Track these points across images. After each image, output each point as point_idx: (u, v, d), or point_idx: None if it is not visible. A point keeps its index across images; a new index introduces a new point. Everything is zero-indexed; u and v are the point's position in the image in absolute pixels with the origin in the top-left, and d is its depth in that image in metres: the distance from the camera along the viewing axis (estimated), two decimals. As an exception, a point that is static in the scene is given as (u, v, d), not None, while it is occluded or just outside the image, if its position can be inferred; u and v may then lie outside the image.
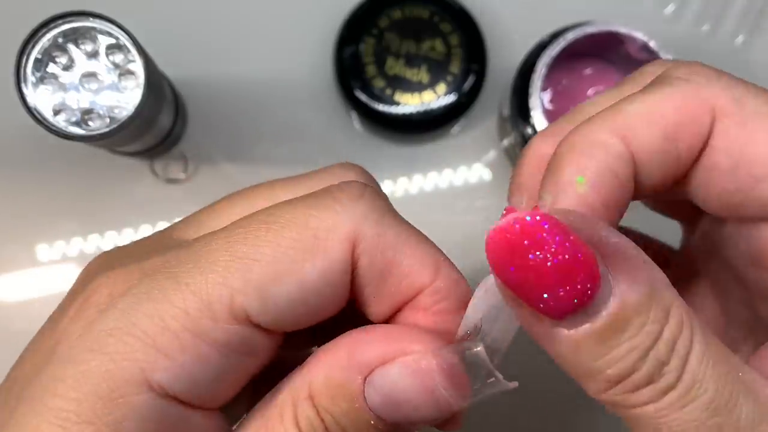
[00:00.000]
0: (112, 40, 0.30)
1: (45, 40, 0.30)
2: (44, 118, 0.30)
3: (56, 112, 0.30)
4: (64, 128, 0.30)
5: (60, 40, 0.30)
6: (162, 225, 0.40)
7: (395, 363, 0.19)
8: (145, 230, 0.40)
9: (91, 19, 0.30)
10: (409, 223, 0.21)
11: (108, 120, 0.31)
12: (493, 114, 0.41)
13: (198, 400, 0.19)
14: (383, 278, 0.20)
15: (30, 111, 0.30)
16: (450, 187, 0.41)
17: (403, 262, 0.20)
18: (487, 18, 0.40)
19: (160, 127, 0.36)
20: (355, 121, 0.41)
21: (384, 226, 0.20)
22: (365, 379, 0.19)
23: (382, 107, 0.39)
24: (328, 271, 0.19)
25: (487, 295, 0.20)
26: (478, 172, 0.41)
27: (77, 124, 0.31)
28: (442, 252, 0.21)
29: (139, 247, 0.21)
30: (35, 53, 0.30)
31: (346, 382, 0.19)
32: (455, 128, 0.41)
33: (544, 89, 0.37)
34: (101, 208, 0.40)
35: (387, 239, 0.20)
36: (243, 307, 0.18)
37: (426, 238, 0.21)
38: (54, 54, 0.30)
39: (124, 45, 0.30)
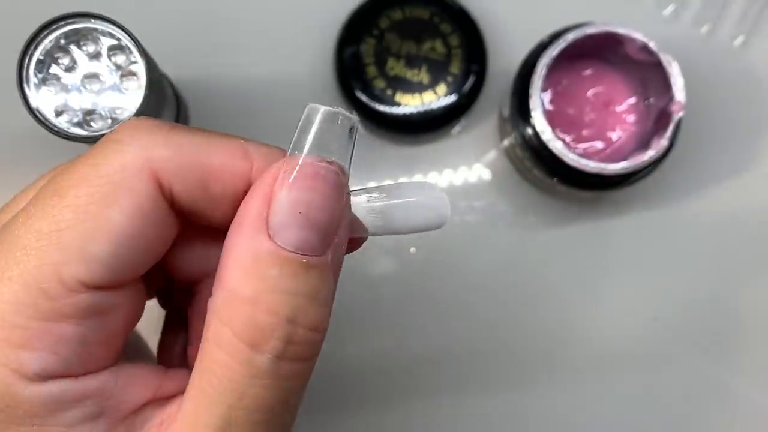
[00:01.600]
0: (114, 42, 0.31)
1: (47, 42, 0.30)
2: (46, 119, 0.30)
3: (58, 113, 0.30)
4: (66, 129, 0.30)
5: (62, 41, 0.30)
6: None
7: (276, 193, 0.19)
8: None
9: (93, 20, 0.30)
10: (197, 128, 0.21)
11: (110, 121, 0.31)
12: (493, 114, 0.42)
13: (80, 369, 0.19)
14: (205, 189, 0.20)
15: (32, 112, 0.30)
16: (450, 187, 0.41)
17: (212, 164, 0.20)
18: (488, 19, 0.40)
19: (162, 128, 0.36)
20: (356, 122, 0.41)
21: (175, 143, 0.19)
22: (268, 234, 0.18)
23: (382, 108, 0.39)
24: (138, 209, 0.19)
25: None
26: (478, 173, 0.42)
27: (79, 125, 0.31)
28: (242, 137, 0.21)
29: None
30: (37, 54, 0.30)
31: (257, 253, 0.18)
32: (455, 129, 0.42)
33: (544, 90, 0.37)
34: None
35: (185, 154, 0.19)
36: (72, 276, 0.18)
37: (219, 133, 0.21)
38: (56, 55, 0.30)
39: (126, 46, 0.31)
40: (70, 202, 0.18)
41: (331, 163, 0.19)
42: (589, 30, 0.36)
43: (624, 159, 0.36)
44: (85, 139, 0.30)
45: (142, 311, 0.21)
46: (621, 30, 0.36)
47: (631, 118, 0.39)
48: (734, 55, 0.42)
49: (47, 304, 0.18)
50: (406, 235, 0.41)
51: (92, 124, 0.31)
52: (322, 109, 0.19)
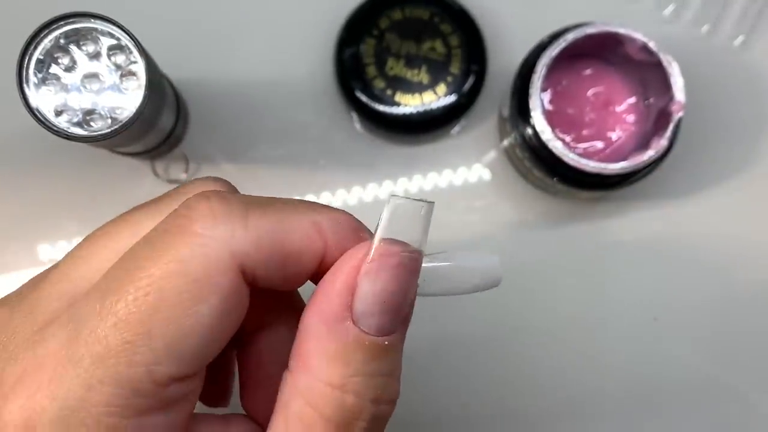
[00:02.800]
0: (114, 41, 0.31)
1: (47, 41, 0.30)
2: (46, 119, 0.30)
3: (58, 113, 0.30)
4: (65, 129, 0.30)
5: (62, 41, 0.30)
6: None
7: (361, 282, 0.19)
8: (147, 230, 0.40)
9: (92, 20, 0.30)
10: (268, 199, 0.21)
11: (110, 121, 0.31)
12: (493, 114, 0.42)
13: None
14: (283, 269, 0.20)
15: (32, 112, 0.30)
16: (450, 187, 0.41)
17: (290, 244, 0.20)
18: (487, 19, 0.40)
19: (162, 128, 0.36)
20: (356, 122, 0.41)
21: (254, 231, 0.19)
22: (353, 320, 0.19)
23: (382, 108, 0.39)
24: (225, 304, 0.19)
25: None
26: (477, 173, 0.42)
27: (79, 124, 0.31)
28: (311, 204, 0.21)
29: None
30: (37, 54, 0.30)
31: (343, 341, 0.19)
32: (455, 129, 0.42)
33: (544, 90, 0.37)
34: (103, 208, 0.40)
35: (265, 242, 0.20)
36: (163, 375, 0.18)
37: (291, 206, 0.21)
38: (56, 55, 0.30)
39: (126, 46, 0.31)
40: (158, 302, 0.18)
41: (412, 251, 0.20)
42: (589, 30, 0.36)
43: (624, 159, 0.36)
44: (85, 138, 0.30)
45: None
46: (621, 30, 0.36)
47: (630, 117, 0.39)
48: (734, 55, 0.42)
49: (139, 401, 0.18)
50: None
51: (92, 123, 0.31)
52: (405, 200, 0.20)
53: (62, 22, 0.30)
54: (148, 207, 0.22)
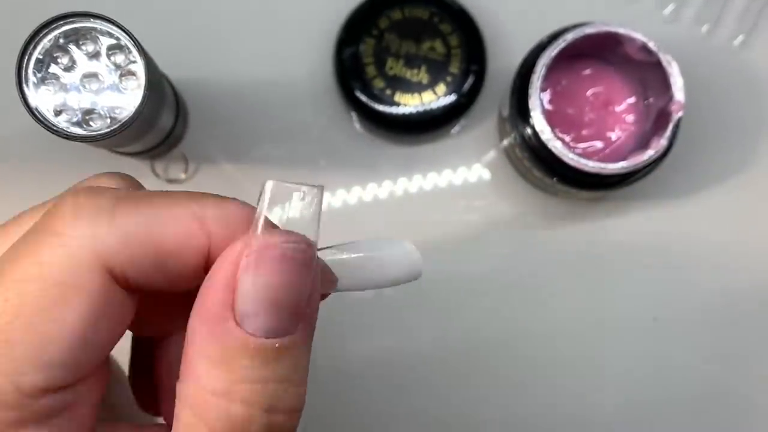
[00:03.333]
0: (113, 41, 0.31)
1: (46, 41, 0.30)
2: (45, 119, 0.30)
3: (57, 113, 0.30)
4: (65, 128, 0.30)
5: (61, 40, 0.30)
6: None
7: (241, 278, 0.17)
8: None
9: (92, 19, 0.30)
10: (148, 193, 0.19)
11: (109, 120, 0.31)
12: (492, 114, 0.42)
13: None
14: (162, 268, 0.18)
15: (31, 111, 0.30)
16: (450, 187, 0.41)
17: (166, 244, 0.18)
18: (487, 19, 0.40)
19: (161, 128, 0.36)
20: (355, 122, 0.41)
21: (121, 227, 0.18)
22: (235, 321, 0.17)
23: (382, 108, 0.39)
24: (91, 306, 0.18)
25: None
26: (477, 173, 0.42)
27: (78, 124, 0.31)
28: (196, 195, 0.19)
29: None
30: (36, 54, 0.30)
31: (225, 344, 0.17)
32: (455, 128, 0.41)
33: (543, 90, 0.37)
34: (102, 208, 0.40)
35: (134, 239, 0.18)
36: (30, 385, 0.17)
37: (169, 200, 0.19)
38: (55, 54, 0.30)
39: (125, 46, 0.31)
40: (16, 309, 0.17)
41: (297, 241, 0.18)
42: (588, 30, 0.36)
43: (623, 159, 0.36)
44: (84, 138, 0.30)
45: (107, 382, 0.20)
46: (620, 30, 0.36)
47: (630, 117, 0.39)
48: (734, 55, 0.42)
49: (8, 414, 0.17)
50: (404, 235, 0.41)
51: (91, 123, 0.31)
52: (283, 185, 0.18)
53: (61, 22, 0.30)
54: (41, 205, 0.21)
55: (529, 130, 0.37)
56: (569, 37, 0.36)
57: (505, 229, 0.42)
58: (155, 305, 0.21)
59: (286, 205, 0.18)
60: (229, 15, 0.41)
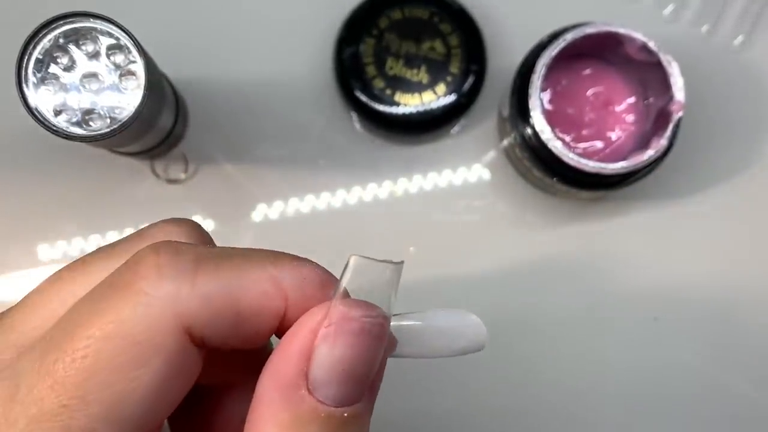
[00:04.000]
0: (113, 41, 0.31)
1: (46, 41, 0.30)
2: (45, 119, 0.30)
3: (57, 113, 0.30)
4: (65, 128, 0.30)
5: (61, 40, 0.30)
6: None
7: (318, 348, 0.18)
8: (146, 230, 0.40)
9: (92, 19, 0.30)
10: (226, 250, 0.19)
11: (109, 120, 0.31)
12: (492, 114, 0.42)
13: None
14: (238, 330, 0.19)
15: (31, 111, 0.30)
16: (450, 187, 0.41)
17: (244, 304, 0.18)
18: (487, 18, 0.40)
19: (161, 128, 0.36)
20: (356, 122, 0.41)
21: (201, 288, 0.18)
22: (308, 389, 0.18)
23: (382, 107, 0.39)
24: (168, 366, 0.18)
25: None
26: (477, 173, 0.42)
27: (78, 124, 0.31)
28: (273, 256, 0.19)
29: None
30: (36, 54, 0.30)
31: (297, 411, 0.18)
32: (455, 128, 0.41)
33: (543, 89, 0.37)
34: (102, 208, 0.40)
35: (215, 303, 0.18)
36: None
37: (249, 255, 0.19)
38: (55, 54, 0.30)
39: (125, 46, 0.31)
40: (96, 364, 0.17)
41: (375, 315, 0.18)
42: (589, 30, 0.36)
43: (623, 159, 0.36)
44: (84, 138, 0.30)
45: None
46: (620, 30, 0.36)
47: (630, 117, 0.39)
48: (734, 55, 0.42)
49: None
50: (404, 235, 0.41)
51: (91, 123, 0.31)
52: (367, 261, 0.19)
53: (61, 22, 0.30)
54: (105, 252, 0.21)
55: (529, 130, 0.37)
56: (569, 36, 0.36)
57: (505, 229, 0.42)
58: (219, 357, 0.21)
59: (367, 278, 0.19)
60: (228, 15, 0.41)
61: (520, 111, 0.37)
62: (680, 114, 0.36)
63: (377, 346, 0.18)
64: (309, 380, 0.18)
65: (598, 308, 0.42)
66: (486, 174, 0.42)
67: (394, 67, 0.39)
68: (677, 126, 0.36)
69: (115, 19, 0.30)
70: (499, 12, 0.41)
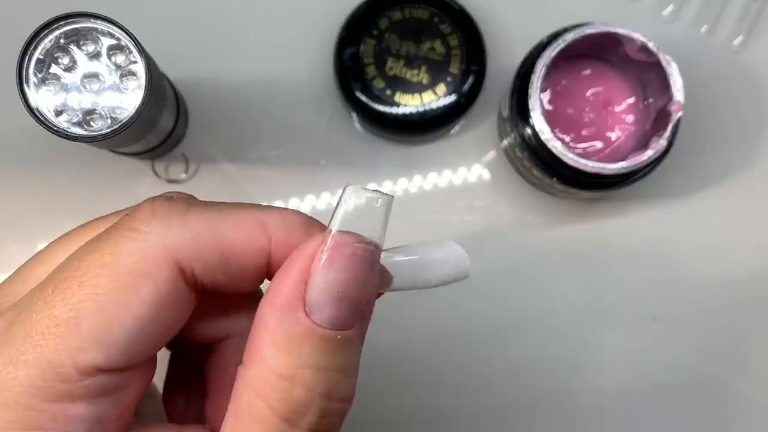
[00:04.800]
0: (114, 41, 0.31)
1: (47, 41, 0.30)
2: (46, 119, 0.30)
3: (58, 113, 0.30)
4: (65, 129, 0.30)
5: (62, 41, 0.30)
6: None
7: (314, 272, 0.19)
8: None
9: (92, 20, 0.30)
10: (216, 202, 0.21)
11: (110, 121, 0.31)
12: (492, 114, 0.42)
13: None
14: (226, 267, 0.20)
15: (32, 111, 0.30)
16: (450, 187, 0.41)
17: (231, 243, 0.20)
18: (487, 19, 0.40)
19: (162, 128, 0.36)
20: (356, 122, 0.41)
21: (192, 226, 0.20)
22: (305, 311, 0.19)
23: (382, 108, 0.39)
24: (158, 296, 0.19)
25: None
26: (477, 173, 0.42)
27: (79, 124, 0.31)
28: (259, 206, 0.21)
29: None
30: (37, 54, 0.30)
31: (293, 331, 0.19)
32: (455, 129, 0.42)
33: (543, 90, 0.37)
34: (103, 208, 0.40)
35: (203, 237, 0.20)
36: (88, 362, 0.18)
37: (234, 206, 0.21)
38: (56, 55, 0.30)
39: (126, 46, 0.31)
40: (90, 290, 0.19)
41: (368, 242, 0.19)
42: (588, 30, 0.36)
43: (623, 159, 0.36)
44: (85, 138, 0.30)
45: (153, 376, 0.22)
46: (620, 30, 0.36)
47: (630, 118, 0.39)
48: (734, 55, 0.42)
49: (62, 386, 0.18)
50: (404, 235, 0.41)
51: (92, 123, 0.31)
52: (360, 191, 0.20)
53: (62, 22, 0.30)
54: (109, 215, 0.23)
55: (528, 130, 0.37)
56: (569, 37, 0.36)
57: (505, 229, 0.42)
58: (214, 309, 0.22)
59: (360, 209, 0.20)
60: (229, 16, 0.41)
61: (520, 111, 0.37)
62: (680, 114, 0.36)
63: (369, 272, 0.19)
64: (306, 302, 0.19)
65: (597, 308, 0.42)
66: (486, 174, 0.42)
67: (395, 67, 0.39)
68: (677, 126, 0.36)
69: (116, 20, 0.30)
70: (499, 12, 0.41)
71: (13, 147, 0.40)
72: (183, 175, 0.40)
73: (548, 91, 0.39)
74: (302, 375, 0.19)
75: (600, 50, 0.38)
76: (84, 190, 0.40)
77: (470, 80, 0.39)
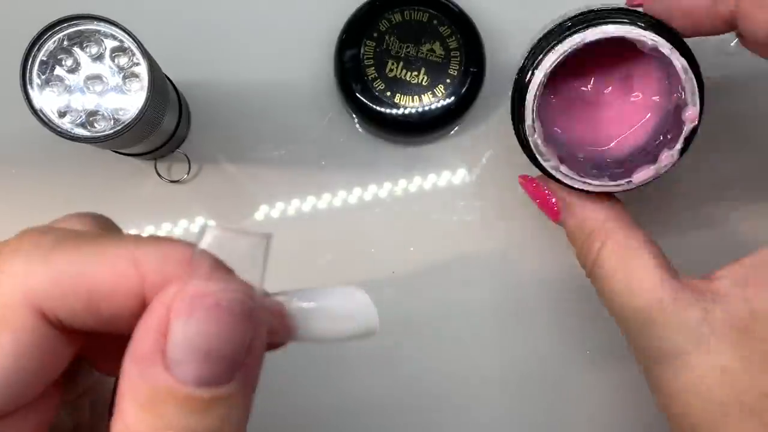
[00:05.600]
0: (117, 43, 0.31)
1: (50, 43, 0.31)
2: (50, 120, 0.31)
3: (61, 114, 0.31)
4: (69, 130, 0.31)
5: (65, 43, 0.31)
6: (165, 226, 0.41)
7: (172, 325, 0.17)
8: (149, 231, 0.41)
9: (95, 22, 0.31)
10: (95, 234, 0.19)
11: (113, 122, 0.31)
12: (492, 115, 0.42)
13: None
14: (94, 310, 0.18)
15: (36, 113, 0.30)
16: (449, 187, 0.42)
17: (97, 285, 0.18)
18: (486, 21, 0.41)
19: (164, 129, 0.37)
20: (356, 123, 0.41)
21: (55, 266, 0.18)
22: (165, 366, 0.17)
23: (382, 109, 0.39)
24: (18, 345, 0.18)
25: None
26: (476, 173, 0.42)
27: (82, 125, 0.31)
28: (141, 239, 0.19)
29: None
30: (41, 56, 0.31)
31: (153, 389, 0.17)
32: (454, 130, 0.42)
33: (546, 89, 0.36)
34: (105, 208, 0.40)
35: (66, 279, 0.18)
36: None
37: (108, 242, 0.19)
38: (59, 57, 0.31)
39: (129, 48, 0.31)
40: None
41: (235, 288, 0.17)
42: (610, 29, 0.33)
43: (628, 161, 0.34)
44: (88, 139, 0.31)
45: (58, 406, 0.20)
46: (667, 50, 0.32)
47: (638, 131, 0.37)
48: (734, 56, 0.42)
49: None
50: (404, 235, 0.42)
51: (95, 124, 0.31)
52: (225, 231, 0.18)
53: (66, 24, 0.30)
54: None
55: (527, 127, 0.36)
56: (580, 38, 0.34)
57: (505, 230, 0.42)
58: (106, 346, 0.21)
59: (232, 251, 0.18)
60: (231, 18, 0.42)
61: (519, 104, 0.36)
62: (694, 124, 0.33)
63: (239, 324, 0.17)
64: (166, 358, 0.17)
65: (597, 307, 0.42)
66: (486, 174, 0.42)
67: (394, 69, 0.40)
68: (688, 140, 0.33)
69: (119, 22, 0.31)
70: (499, 14, 0.41)
71: (17, 148, 0.40)
72: (185, 176, 0.41)
73: (550, 89, 0.38)
74: None
75: (620, 55, 0.35)
76: (87, 190, 0.40)
77: (469, 82, 0.40)
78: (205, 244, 0.17)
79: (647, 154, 0.35)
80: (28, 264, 0.18)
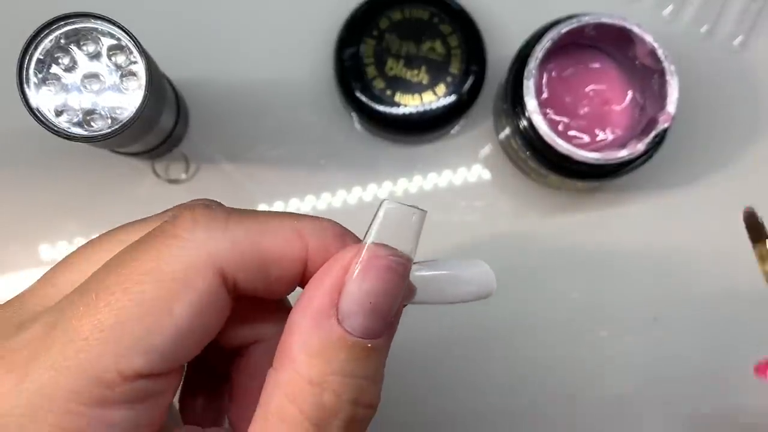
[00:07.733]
0: (114, 42, 0.31)
1: (47, 42, 0.30)
2: (46, 119, 0.30)
3: (58, 113, 0.31)
4: (66, 129, 0.30)
5: (62, 41, 0.30)
6: (163, 225, 0.40)
7: (348, 282, 0.20)
8: (147, 230, 0.40)
9: (93, 20, 0.30)
10: (253, 210, 0.21)
11: (110, 121, 0.31)
12: (492, 114, 0.42)
13: None
14: (265, 274, 0.21)
15: (32, 112, 0.30)
16: (450, 187, 0.41)
17: (270, 251, 0.20)
18: (487, 19, 0.40)
19: (162, 128, 0.36)
20: (356, 122, 0.41)
21: (233, 235, 0.20)
22: (337, 318, 0.20)
23: (382, 108, 0.39)
24: (200, 304, 0.19)
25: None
26: (477, 173, 0.42)
27: (79, 124, 0.31)
28: (295, 214, 0.22)
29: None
30: (37, 54, 0.30)
31: (326, 338, 0.19)
32: (455, 129, 0.42)
33: (542, 75, 0.37)
34: (103, 208, 0.40)
35: (244, 246, 0.20)
36: (130, 367, 0.19)
37: (272, 215, 0.21)
38: (56, 55, 0.30)
39: (126, 46, 0.31)
40: (134, 297, 0.19)
41: (400, 255, 0.20)
42: (606, 19, 0.36)
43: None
44: (85, 139, 0.30)
45: (182, 378, 0.22)
46: (635, 28, 0.36)
47: (622, 120, 0.39)
48: (733, 55, 0.42)
49: (103, 391, 0.19)
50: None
51: (92, 123, 0.31)
52: (396, 205, 0.20)
53: (62, 23, 0.30)
54: (139, 222, 0.23)
55: (525, 122, 0.37)
56: (585, 19, 0.36)
57: (506, 229, 0.42)
58: (245, 314, 0.23)
59: (395, 222, 0.20)
60: (229, 16, 0.41)
61: (515, 91, 0.37)
62: (666, 125, 0.36)
63: (400, 284, 0.20)
64: (339, 311, 0.20)
65: (597, 306, 0.42)
66: (486, 174, 0.42)
67: (395, 67, 0.39)
68: (661, 136, 0.36)
69: (116, 20, 0.30)
70: (500, 13, 0.41)
71: (14, 147, 0.40)
72: (183, 175, 0.41)
73: (553, 72, 0.39)
74: (332, 382, 0.19)
75: (611, 46, 0.38)
76: (84, 190, 0.40)
77: (470, 80, 0.39)
78: (380, 215, 0.20)
79: (618, 139, 0.38)
80: (209, 231, 0.20)
